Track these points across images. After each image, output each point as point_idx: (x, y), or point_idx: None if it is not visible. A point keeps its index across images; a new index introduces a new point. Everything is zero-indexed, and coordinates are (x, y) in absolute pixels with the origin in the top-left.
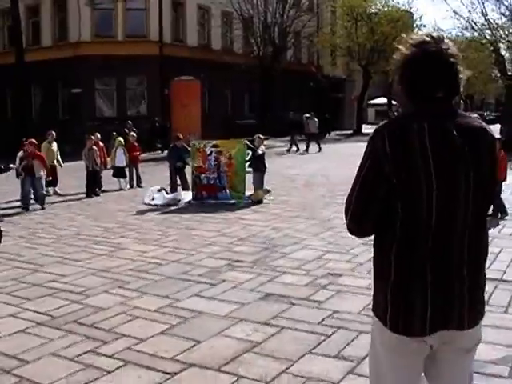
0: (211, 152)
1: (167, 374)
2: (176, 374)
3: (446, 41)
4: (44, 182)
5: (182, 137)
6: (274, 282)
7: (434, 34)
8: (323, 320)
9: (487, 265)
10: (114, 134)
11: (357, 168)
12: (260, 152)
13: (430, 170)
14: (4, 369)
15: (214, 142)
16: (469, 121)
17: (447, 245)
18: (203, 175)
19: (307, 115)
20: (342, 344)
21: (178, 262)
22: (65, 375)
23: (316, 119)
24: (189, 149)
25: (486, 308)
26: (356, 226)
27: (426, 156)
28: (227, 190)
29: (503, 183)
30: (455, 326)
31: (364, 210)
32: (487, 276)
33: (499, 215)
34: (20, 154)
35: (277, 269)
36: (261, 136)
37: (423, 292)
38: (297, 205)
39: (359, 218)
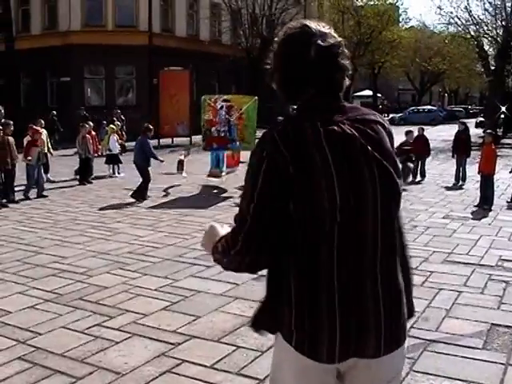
0: (222, 106)
1: (171, 344)
2: (179, 344)
3: (324, 31)
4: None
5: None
6: None
7: (311, 25)
8: None
9: (466, 250)
10: (104, 122)
11: None
12: None
13: (330, 169)
14: (19, 340)
15: (226, 96)
16: (362, 113)
17: (356, 252)
18: (213, 128)
19: None
20: None
21: (174, 246)
22: (77, 345)
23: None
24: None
25: (465, 289)
26: (253, 256)
27: (324, 155)
28: (237, 142)
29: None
30: (371, 353)
31: (265, 233)
32: (466, 261)
33: (485, 206)
34: (27, 138)
35: None
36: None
37: (330, 311)
38: None
39: (259, 246)
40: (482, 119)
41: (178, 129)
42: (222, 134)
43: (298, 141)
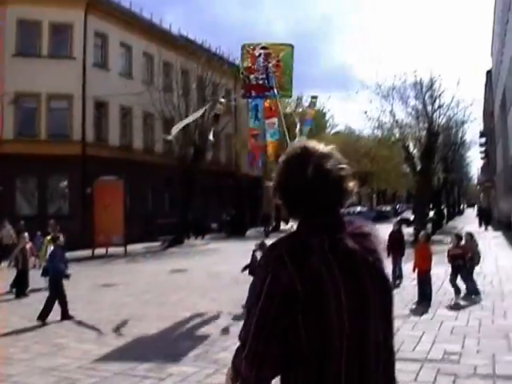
0: (260, 54)
1: None
2: None
3: (324, 152)
4: None
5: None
6: (219, 373)
7: (310, 145)
8: None
9: (412, 347)
10: (39, 233)
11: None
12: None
13: (339, 287)
14: None
15: (264, 43)
16: (357, 227)
17: (361, 360)
18: (252, 75)
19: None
20: None
21: (123, 359)
22: None
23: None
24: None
25: None
26: (259, 373)
27: (331, 270)
28: (275, 90)
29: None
30: None
31: (267, 350)
32: (413, 358)
33: (424, 303)
34: None
35: (219, 361)
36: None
37: None
38: (227, 301)
39: (262, 361)
40: (405, 217)
41: (112, 238)
42: (261, 82)
43: (304, 256)
